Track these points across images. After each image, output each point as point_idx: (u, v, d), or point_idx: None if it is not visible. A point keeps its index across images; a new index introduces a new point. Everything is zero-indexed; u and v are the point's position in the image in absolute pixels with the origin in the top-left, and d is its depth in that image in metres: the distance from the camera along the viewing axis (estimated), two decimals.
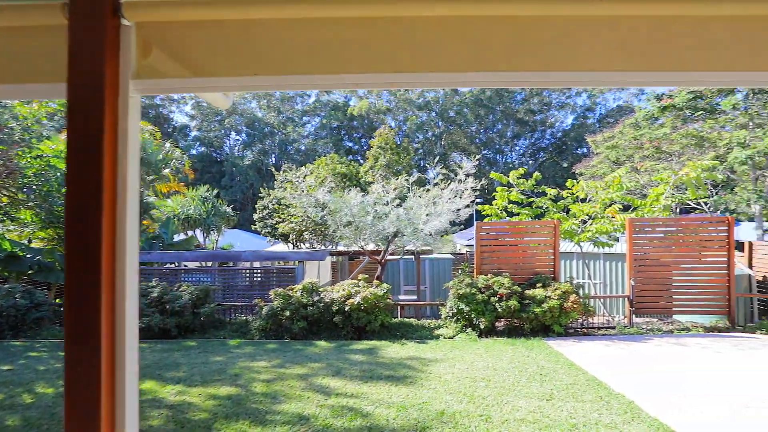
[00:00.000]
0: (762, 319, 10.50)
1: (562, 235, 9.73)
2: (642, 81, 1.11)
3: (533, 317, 7.23)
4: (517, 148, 63.59)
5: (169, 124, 53.62)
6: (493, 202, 10.55)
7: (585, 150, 45.64)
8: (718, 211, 23.47)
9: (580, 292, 7.66)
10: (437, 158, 10.14)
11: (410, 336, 7.39)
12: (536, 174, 10.58)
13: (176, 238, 14.94)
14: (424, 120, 60.73)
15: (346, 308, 7.21)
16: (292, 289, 7.73)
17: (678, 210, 22.32)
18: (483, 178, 10.93)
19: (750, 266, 11.86)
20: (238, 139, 58.72)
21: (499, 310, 7.28)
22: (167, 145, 16.70)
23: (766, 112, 17.67)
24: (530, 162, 62.37)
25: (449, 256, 14.75)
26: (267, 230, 23.75)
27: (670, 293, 8.33)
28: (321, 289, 7.88)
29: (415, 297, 11.34)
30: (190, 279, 9.22)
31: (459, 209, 9.52)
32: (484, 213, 10.65)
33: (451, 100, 59.77)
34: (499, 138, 61.84)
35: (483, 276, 7.83)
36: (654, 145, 21.39)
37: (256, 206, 24.54)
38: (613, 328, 8.17)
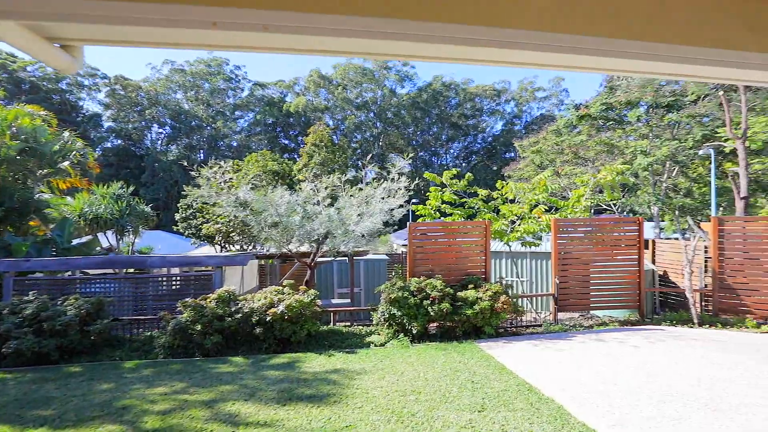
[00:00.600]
0: (664, 310, 11.47)
1: (493, 235, 9.81)
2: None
3: (465, 319, 7.07)
4: (452, 150, 65.85)
5: (77, 113, 47.55)
6: (427, 203, 10.38)
7: (513, 154, 48.41)
8: (624, 212, 25.83)
9: (510, 291, 7.66)
10: (369, 156, 9.68)
11: (339, 345, 6.85)
12: (468, 175, 10.60)
13: (76, 241, 12.93)
14: (362, 120, 60.48)
15: (268, 318, 6.49)
16: (206, 299, 6.81)
17: (593, 211, 24.23)
18: (418, 179, 10.75)
19: (653, 262, 12.98)
20: (162, 132, 53.86)
21: (432, 313, 7.02)
22: (66, 134, 14.47)
23: (663, 124, 19.72)
24: (463, 164, 64.83)
25: (384, 256, 14.45)
26: (191, 231, 21.80)
27: (590, 290, 8.69)
28: (240, 298, 7.05)
29: (348, 300, 10.83)
30: (88, 290, 7.84)
31: (392, 209, 9.17)
32: (418, 213, 10.43)
33: (389, 102, 60.13)
34: (434, 140, 63.49)
35: (416, 279, 7.53)
36: (573, 151, 23.00)
37: (179, 205, 22.42)
38: (540, 325, 8.33)
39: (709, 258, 8.70)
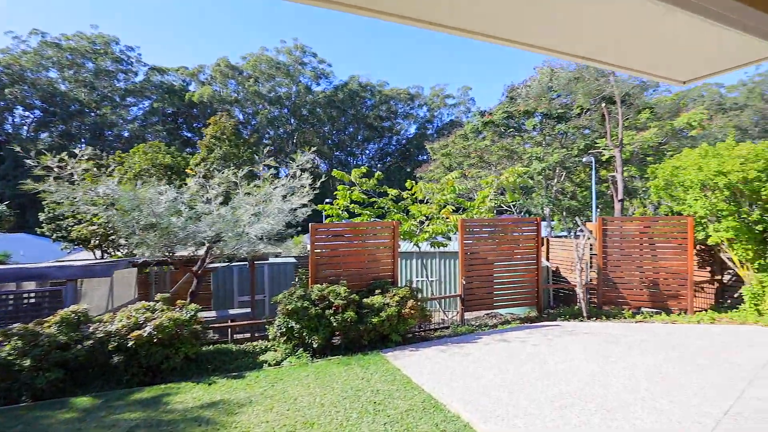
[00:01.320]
0: (557, 304, 12.26)
1: (402, 236, 9.47)
2: None
3: (371, 328, 6.51)
4: (368, 151, 66.15)
5: None
6: (335, 202, 9.69)
7: (425, 157, 50.07)
8: (522, 213, 27.90)
9: (418, 295, 7.32)
10: (267, 149, 8.66)
11: (226, 368, 5.81)
12: (378, 173, 10.14)
13: None
14: (275, 115, 57.63)
15: (130, 343, 5.21)
16: (43, 323, 5.26)
17: (495, 212, 25.81)
18: (326, 177, 9.99)
19: (547, 259, 13.91)
20: (29, 116, 45.16)
21: (335, 324, 6.34)
22: None
23: (554, 134, 21.72)
24: (378, 165, 65.48)
25: (292, 260, 13.41)
26: (60, 234, 18.24)
27: (495, 289, 8.79)
28: (96, 318, 5.61)
29: (249, 310, 9.65)
30: None
31: (295, 209, 8.31)
32: (325, 213, 9.68)
33: (304, 98, 58.12)
34: (350, 140, 63.10)
35: (318, 286, 6.78)
36: (478, 155, 24.26)
37: (45, 203, 18.59)
38: (448, 327, 8.16)
39: (595, 255, 9.39)
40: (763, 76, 37.93)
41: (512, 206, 25.87)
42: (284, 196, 7.62)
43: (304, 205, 8.45)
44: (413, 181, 10.09)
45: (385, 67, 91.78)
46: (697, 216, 8.15)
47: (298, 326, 6.29)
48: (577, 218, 20.04)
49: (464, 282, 8.30)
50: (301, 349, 6.36)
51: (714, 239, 7.87)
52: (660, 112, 19.26)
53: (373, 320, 6.46)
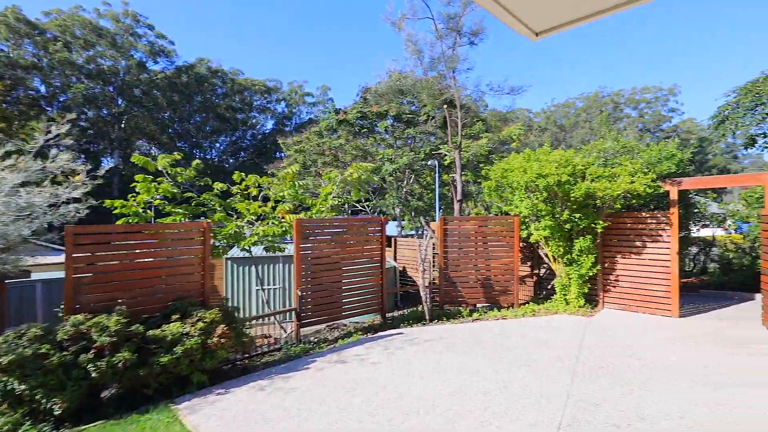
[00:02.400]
0: (407, 306, 12.02)
1: (227, 240, 7.64)
2: None
3: (159, 371, 4.63)
4: (218, 144, 59.47)
5: None
6: (131, 198, 7.24)
7: (284, 155, 47.38)
8: (376, 213, 28.23)
9: (237, 315, 5.70)
10: (55, 124, 5.79)
11: None
12: (197, 162, 8.05)
13: None
14: (96, 92, 46.57)
15: None
16: None
17: (350, 212, 25.43)
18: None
19: (395, 259, 13.73)
20: None
21: (96, 374, 4.26)
22: None
23: (404, 137, 22.38)
24: (231, 161, 59.65)
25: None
26: None
27: (339, 297, 7.75)
28: None
29: None
30: None
31: (59, 204, 5.73)
32: (117, 212, 7.14)
33: (137, 76, 48.55)
34: (196, 131, 55.63)
35: (77, 317, 4.54)
36: (333, 153, 23.45)
37: None
38: (280, 349, 6.74)
39: (438, 254, 9.25)
40: (557, 106, 47.55)
41: (366, 207, 25.93)
42: (23, 184, 5.03)
43: (76, 200, 5.94)
44: (242, 173, 8.32)
45: (241, 56, 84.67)
46: (522, 215, 8.62)
47: (25, 387, 3.99)
48: (421, 218, 20.73)
49: (300, 293, 6.99)
50: (30, 420, 4.07)
51: (535, 237, 8.39)
52: (491, 124, 21.65)
53: (163, 360, 4.59)
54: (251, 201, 8.37)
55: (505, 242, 8.86)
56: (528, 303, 8.95)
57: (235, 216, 8.43)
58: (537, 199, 8.02)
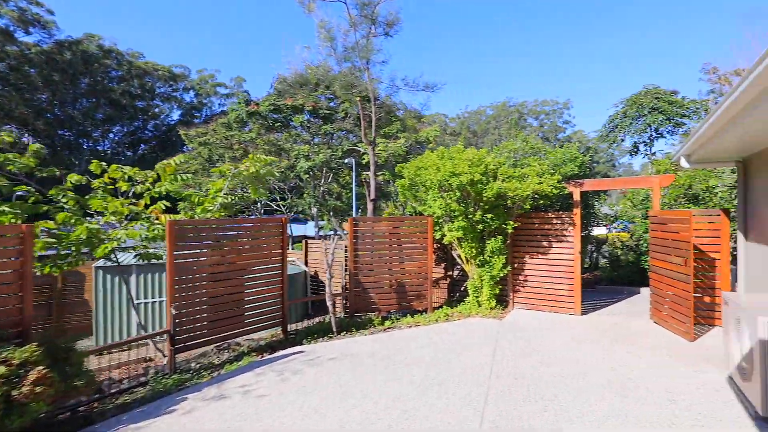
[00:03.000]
0: (317, 314, 11.00)
1: (76, 245, 5.95)
2: None
3: None
4: (112, 134, 51.93)
5: None
6: None
7: (191, 148, 42.83)
8: (292, 213, 26.68)
9: (73, 355, 4.23)
10: None
11: None
12: (36, 146, 6.16)
13: None
14: None
15: None
16: None
17: (263, 212, 23.55)
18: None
19: (306, 263, 12.62)
20: None
21: None
22: None
23: (321, 133, 21.27)
24: (129, 153, 52.69)
25: None
26: None
27: (230, 311, 6.50)
28: None
29: None
30: None
31: None
32: None
33: (0, 47, 40.05)
34: (84, 117, 47.85)
35: None
36: (243, 148, 21.42)
37: None
38: (146, 384, 5.33)
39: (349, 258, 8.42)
40: (470, 113, 50.10)
41: (282, 206, 24.29)
42: None
43: None
44: (100, 162, 6.60)
45: (142, 38, 75.48)
46: (436, 216, 8.19)
47: None
48: (332, 218, 19.84)
49: (174, 310, 5.64)
50: None
51: (448, 239, 8.00)
52: (407, 124, 21.51)
53: None
54: (117, 198, 6.70)
55: (419, 244, 8.37)
56: (442, 307, 8.57)
57: (97, 217, 6.70)
58: (450, 198, 7.63)
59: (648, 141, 10.73)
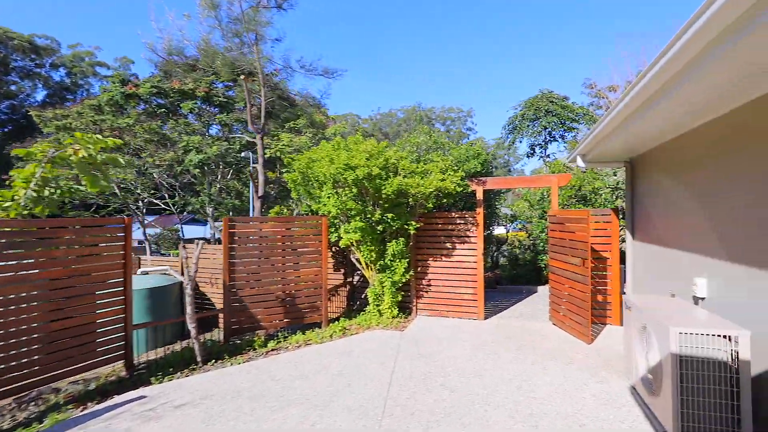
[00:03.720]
0: (186, 337, 9.07)
1: None
2: None
3: None
4: None
5: None
6: None
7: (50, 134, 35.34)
8: (185, 213, 23.38)
9: None
10: None
11: None
12: None
13: None
14: None
15: None
16: None
17: (144, 211, 20.08)
18: None
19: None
20: None
21: None
22: None
23: (216, 123, 18.73)
24: None
25: None
26: None
27: (42, 346, 4.55)
28: None
29: None
30: None
31: None
32: None
33: None
34: None
35: None
36: (117, 135, 17.87)
37: None
38: None
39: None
40: (382, 115, 50.28)
41: (171, 205, 21.07)
42: None
43: None
44: None
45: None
46: (331, 216, 7.05)
47: None
48: (209, 219, 17.59)
49: None
50: None
51: (345, 241, 6.92)
52: (316, 121, 20.08)
53: None
54: None
55: (313, 248, 7.15)
56: (339, 319, 7.46)
57: None
58: (346, 195, 6.56)
59: (543, 143, 11.05)
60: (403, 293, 7.44)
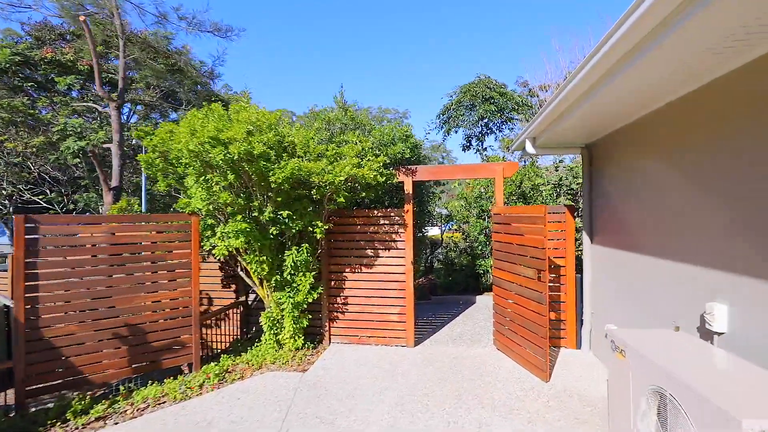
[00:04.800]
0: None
1: None
2: None
3: None
4: None
5: None
6: None
7: None
8: (75, 213, 19.20)
9: None
10: None
11: None
12: None
13: None
14: None
15: None
16: None
17: (11, 210, 15.84)
18: None
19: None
20: None
21: None
22: None
23: (104, 103, 15.21)
24: None
25: None
26: None
27: None
28: None
29: None
30: None
31: None
32: None
33: None
34: None
35: None
36: None
37: None
38: None
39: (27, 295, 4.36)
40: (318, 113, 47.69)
41: (56, 204, 17.11)
42: None
43: None
44: None
45: None
46: (204, 213, 4.90)
47: None
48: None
49: None
50: None
51: (222, 250, 4.79)
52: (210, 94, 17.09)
53: None
54: None
55: (178, 259, 4.93)
56: (222, 355, 5.30)
57: None
58: (218, 185, 4.48)
59: (480, 135, 9.83)
60: (310, 316, 5.51)
